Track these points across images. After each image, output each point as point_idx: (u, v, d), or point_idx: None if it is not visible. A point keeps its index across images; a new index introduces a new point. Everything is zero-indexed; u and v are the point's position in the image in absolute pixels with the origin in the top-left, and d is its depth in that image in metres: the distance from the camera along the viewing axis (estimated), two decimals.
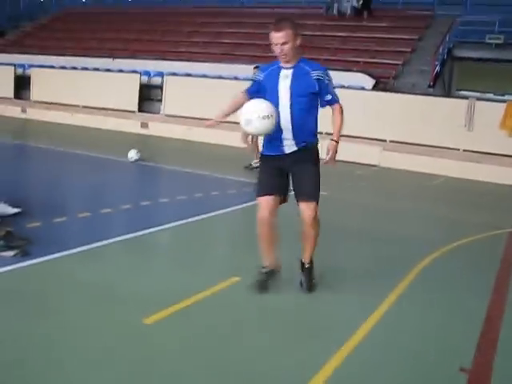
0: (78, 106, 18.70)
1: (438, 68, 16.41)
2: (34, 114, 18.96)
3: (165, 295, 4.13)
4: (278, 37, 4.01)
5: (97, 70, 19.77)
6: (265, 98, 4.07)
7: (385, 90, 15.45)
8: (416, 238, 6.73)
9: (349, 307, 4.27)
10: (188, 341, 3.47)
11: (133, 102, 18.17)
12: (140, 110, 18.29)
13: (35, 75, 20.20)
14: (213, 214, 6.94)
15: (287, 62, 4.11)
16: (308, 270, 4.40)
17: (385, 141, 14.09)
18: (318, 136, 4.33)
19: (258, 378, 3.08)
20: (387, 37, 17.84)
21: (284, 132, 4.13)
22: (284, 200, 4.35)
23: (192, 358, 3.24)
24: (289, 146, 4.18)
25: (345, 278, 4.93)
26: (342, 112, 4.27)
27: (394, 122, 13.98)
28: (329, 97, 4.17)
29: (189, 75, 18.05)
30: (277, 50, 4.05)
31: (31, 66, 20.71)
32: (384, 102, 14.27)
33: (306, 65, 4.14)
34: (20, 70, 20.83)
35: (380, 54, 17.22)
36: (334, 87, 4.25)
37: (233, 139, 14.02)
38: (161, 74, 18.48)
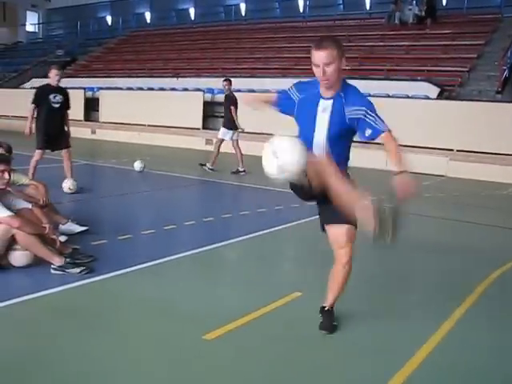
0: (144, 125, 19.17)
1: (506, 73, 15.87)
2: (103, 134, 19.58)
3: (226, 311, 4.14)
4: (321, 56, 3.41)
5: (162, 89, 20.23)
6: (296, 120, 3.70)
7: (450, 98, 15.08)
8: (484, 250, 6.48)
9: (414, 321, 4.16)
10: (248, 356, 3.46)
11: (197, 120, 18.47)
12: (204, 127, 18.56)
13: (103, 97, 20.88)
14: (276, 228, 6.93)
15: (328, 88, 3.52)
16: (328, 313, 3.89)
17: (451, 150, 13.73)
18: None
19: None
20: (452, 43, 17.42)
21: None
22: None
23: (251, 374, 3.22)
24: None
25: (408, 290, 4.81)
26: (393, 139, 3.47)
27: (460, 131, 13.57)
28: (368, 131, 3.46)
29: (252, 91, 18.20)
30: (318, 72, 3.45)
31: (100, 88, 21.42)
32: (449, 111, 13.90)
33: (345, 96, 3.51)
34: (89, 93, 21.57)
35: (444, 62, 16.82)
36: (377, 114, 3.48)
37: None
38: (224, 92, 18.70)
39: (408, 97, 15.01)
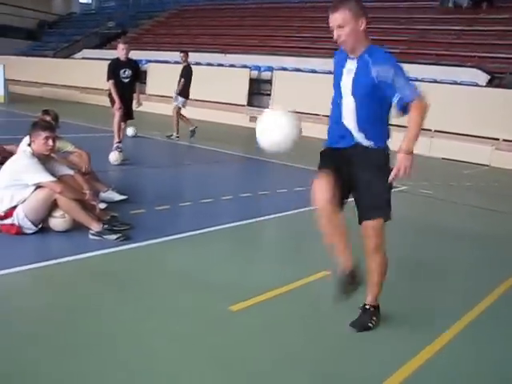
0: (190, 99, 19.33)
1: None
2: (149, 107, 19.81)
3: (254, 284, 4.24)
4: (333, 18, 3.26)
5: (210, 64, 20.34)
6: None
7: (500, 86, 14.73)
8: None
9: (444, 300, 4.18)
10: (271, 330, 3.55)
11: (243, 96, 18.55)
12: (249, 103, 18.63)
13: (151, 70, 21.12)
14: (311, 207, 6.97)
15: (350, 51, 3.35)
16: (367, 312, 3.66)
17: (497, 139, 13.45)
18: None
19: (336, 368, 3.12)
20: (507, 29, 16.96)
21: (348, 133, 3.47)
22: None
23: (272, 347, 3.32)
24: (350, 138, 3.46)
25: (433, 277, 4.82)
26: (421, 110, 3.26)
27: (508, 120, 13.27)
28: (397, 97, 3.25)
29: (298, 70, 18.16)
30: (334, 35, 3.31)
31: (148, 61, 21.66)
32: (498, 99, 13.59)
33: (371, 56, 3.30)
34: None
35: (497, 48, 16.41)
36: (407, 79, 3.28)
37: None
38: (271, 69, 18.73)
39: (456, 83, 14.73)
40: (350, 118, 3.42)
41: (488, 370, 3.29)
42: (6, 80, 19.79)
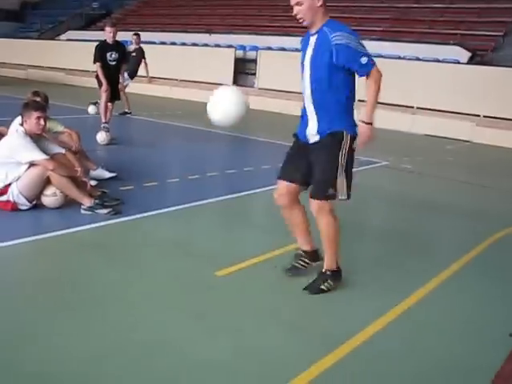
0: (176, 80, 19.46)
1: None
2: (137, 87, 19.89)
3: (237, 252, 4.52)
4: None
5: (195, 44, 20.43)
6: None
7: (481, 63, 14.99)
8: (496, 213, 6.69)
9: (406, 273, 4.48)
10: (252, 291, 3.85)
11: (228, 76, 18.67)
12: (235, 83, 18.75)
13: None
14: None
15: (309, 27, 3.54)
16: (321, 276, 3.84)
17: (478, 116, 13.74)
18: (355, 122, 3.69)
19: (313, 329, 3.41)
20: (488, 6, 17.16)
21: (308, 115, 3.68)
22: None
23: (252, 306, 3.63)
24: (312, 135, 3.69)
25: (408, 246, 5.12)
26: (376, 81, 3.46)
27: (489, 97, 13.52)
28: (355, 66, 3.45)
29: (283, 49, 18.29)
30: (294, 12, 3.51)
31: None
32: (479, 76, 13.81)
33: (329, 28, 3.46)
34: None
35: (479, 26, 16.61)
36: (365, 52, 3.46)
37: None
38: (256, 48, 18.84)
39: (438, 61, 14.97)
40: (308, 101, 3.64)
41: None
42: None
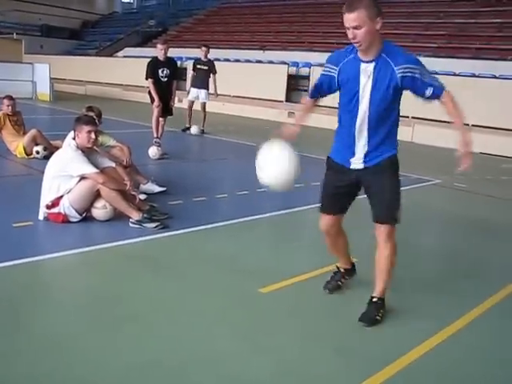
0: (229, 95, 19.64)
1: None
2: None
3: (283, 269, 4.47)
4: (349, 19, 3.19)
5: (248, 61, 20.61)
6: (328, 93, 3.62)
7: None
8: None
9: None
10: (296, 309, 3.79)
11: (280, 92, 18.74)
12: (287, 99, 18.80)
13: (191, 67, 21.44)
14: None
15: (365, 51, 3.30)
16: (374, 305, 3.69)
17: None
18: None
19: (358, 350, 3.32)
20: None
21: (357, 139, 3.51)
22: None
23: (296, 324, 3.56)
24: (362, 159, 3.55)
25: (460, 267, 4.96)
26: (453, 100, 3.38)
27: None
28: (429, 91, 3.33)
29: None
30: (349, 34, 3.24)
31: (188, 58, 22.02)
32: None
33: (389, 56, 3.28)
34: (178, 62, 22.18)
35: None
36: (431, 73, 3.38)
37: None
38: (309, 65, 18.87)
39: (495, 77, 14.62)
40: (361, 127, 3.46)
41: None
42: (51, 79, 20.42)
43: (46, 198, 5.20)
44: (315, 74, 17.89)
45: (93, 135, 5.26)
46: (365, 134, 3.46)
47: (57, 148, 7.70)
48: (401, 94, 3.40)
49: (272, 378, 2.92)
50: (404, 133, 14.71)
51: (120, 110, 16.49)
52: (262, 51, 21.11)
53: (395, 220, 3.58)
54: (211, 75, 13.08)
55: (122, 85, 23.91)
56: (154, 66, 9.27)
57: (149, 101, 9.69)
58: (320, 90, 3.67)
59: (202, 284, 4.10)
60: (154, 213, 5.39)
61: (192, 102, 13.26)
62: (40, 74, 20.40)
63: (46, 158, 7.84)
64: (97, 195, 5.19)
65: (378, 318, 3.64)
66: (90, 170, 5.13)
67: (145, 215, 5.21)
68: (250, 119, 17.52)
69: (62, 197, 5.15)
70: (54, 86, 20.91)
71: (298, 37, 21.69)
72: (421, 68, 3.31)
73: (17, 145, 8.47)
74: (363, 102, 3.40)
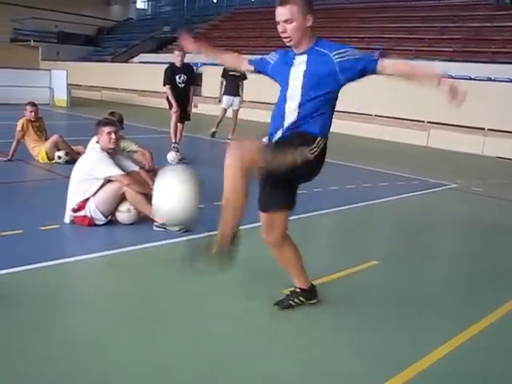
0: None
1: None
2: (205, 109, 20.32)
3: (308, 271, 4.54)
4: (280, 12, 3.23)
5: None
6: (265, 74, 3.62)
7: None
8: None
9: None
10: (318, 312, 3.85)
11: None
12: None
13: (206, 72, 21.62)
14: (367, 203, 7.22)
15: (294, 46, 3.33)
16: (293, 293, 3.84)
17: None
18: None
19: (383, 351, 3.39)
20: None
21: (281, 122, 3.43)
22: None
23: (322, 329, 3.64)
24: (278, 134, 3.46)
25: (480, 270, 5.00)
26: (393, 61, 3.29)
27: None
28: (364, 64, 3.22)
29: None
30: (279, 28, 3.27)
31: (203, 64, 22.19)
32: None
33: (323, 47, 3.29)
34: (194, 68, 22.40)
35: None
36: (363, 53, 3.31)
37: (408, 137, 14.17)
38: None
39: (511, 81, 14.61)
40: (290, 113, 3.37)
41: None
42: (68, 85, 20.68)
43: (72, 201, 5.32)
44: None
45: (113, 135, 5.38)
46: (292, 118, 3.38)
47: (78, 153, 7.86)
48: (338, 84, 3.29)
49: (300, 377, 2.99)
50: (420, 137, 14.83)
51: (136, 115, 16.62)
52: None
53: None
54: (240, 82, 12.97)
55: (137, 90, 24.12)
56: (171, 73, 9.40)
57: (165, 106, 9.83)
58: (257, 62, 3.73)
59: (229, 285, 4.18)
60: None
61: (225, 110, 13.21)
62: (57, 81, 20.67)
63: (68, 162, 8.01)
64: (121, 198, 5.31)
65: (291, 302, 3.80)
66: (115, 172, 5.25)
67: None
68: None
69: (87, 200, 5.27)
70: (71, 92, 21.14)
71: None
72: (352, 50, 3.27)
73: (39, 150, 8.62)
74: (293, 90, 3.35)
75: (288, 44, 3.33)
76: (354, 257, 5.02)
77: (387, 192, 7.91)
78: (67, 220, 5.36)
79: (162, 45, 29.50)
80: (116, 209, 5.38)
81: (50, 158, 8.52)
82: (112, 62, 29.30)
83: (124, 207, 5.38)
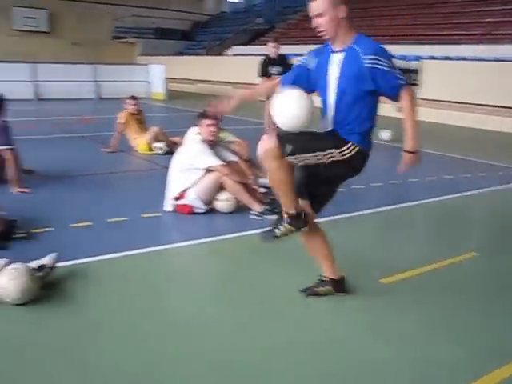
0: None
1: None
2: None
3: (403, 261, 4.54)
4: (312, 7, 3.21)
5: None
6: (308, 89, 3.38)
7: None
8: None
9: None
10: (418, 300, 3.84)
11: None
12: None
13: (426, 68, 21.09)
14: (462, 194, 7.05)
15: (333, 41, 3.27)
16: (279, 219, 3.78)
17: None
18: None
19: (479, 342, 3.34)
20: None
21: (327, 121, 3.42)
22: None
23: (417, 320, 3.60)
24: None
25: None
26: (412, 100, 3.20)
27: None
28: (391, 85, 3.17)
29: (447, 58, 17.72)
30: (314, 24, 3.24)
31: (295, 55, 22.19)
32: None
33: (359, 45, 3.18)
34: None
35: None
36: (396, 68, 3.18)
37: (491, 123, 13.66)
38: (417, 58, 18.44)
39: None
40: (329, 119, 3.37)
41: None
42: (166, 79, 21.34)
43: (173, 190, 5.55)
44: (425, 67, 17.51)
45: (213, 128, 5.55)
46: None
47: (176, 144, 8.15)
48: (372, 88, 3.21)
49: (395, 366, 3.01)
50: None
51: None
52: None
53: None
54: None
55: (231, 82, 24.50)
56: (266, 64, 9.53)
57: (261, 98, 9.94)
58: (288, 80, 3.50)
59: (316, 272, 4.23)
60: (275, 205, 5.57)
61: None
62: (154, 74, 21.38)
63: (167, 153, 8.31)
64: (220, 188, 5.48)
65: (276, 230, 3.76)
66: (215, 162, 5.43)
67: (266, 207, 5.43)
68: None
69: (188, 189, 5.48)
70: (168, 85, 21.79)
71: (404, 30, 21.25)
72: (385, 61, 3.13)
73: (139, 141, 9.01)
74: (331, 88, 3.31)
75: (324, 37, 3.27)
76: (451, 247, 4.94)
77: (487, 182, 7.67)
78: (168, 208, 5.59)
79: (255, 37, 29.77)
80: (214, 198, 5.56)
81: (151, 149, 8.88)
82: (206, 55, 29.91)
83: (223, 196, 5.55)
